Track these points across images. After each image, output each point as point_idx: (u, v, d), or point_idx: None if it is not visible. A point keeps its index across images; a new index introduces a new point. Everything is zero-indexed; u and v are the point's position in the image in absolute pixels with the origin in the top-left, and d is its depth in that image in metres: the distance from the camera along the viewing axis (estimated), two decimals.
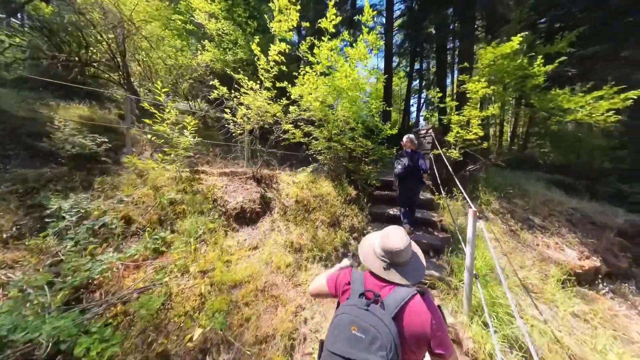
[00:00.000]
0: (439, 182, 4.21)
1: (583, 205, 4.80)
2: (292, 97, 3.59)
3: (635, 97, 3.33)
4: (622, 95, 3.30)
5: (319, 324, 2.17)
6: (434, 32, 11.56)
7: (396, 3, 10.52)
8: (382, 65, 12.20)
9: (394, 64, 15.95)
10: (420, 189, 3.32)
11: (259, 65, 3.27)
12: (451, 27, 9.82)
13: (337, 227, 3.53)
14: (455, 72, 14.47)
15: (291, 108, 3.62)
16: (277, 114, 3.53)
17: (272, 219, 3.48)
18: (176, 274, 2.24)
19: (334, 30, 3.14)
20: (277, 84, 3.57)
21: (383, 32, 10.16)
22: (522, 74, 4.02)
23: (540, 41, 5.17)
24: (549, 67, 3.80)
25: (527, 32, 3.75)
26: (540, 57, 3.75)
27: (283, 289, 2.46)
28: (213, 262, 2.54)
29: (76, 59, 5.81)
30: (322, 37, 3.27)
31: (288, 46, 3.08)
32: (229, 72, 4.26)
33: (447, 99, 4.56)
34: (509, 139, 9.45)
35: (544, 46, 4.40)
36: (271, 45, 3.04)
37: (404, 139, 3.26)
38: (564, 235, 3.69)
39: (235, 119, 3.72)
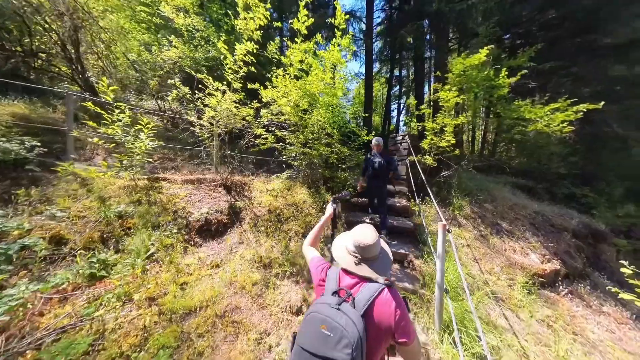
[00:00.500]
0: (414, 188, 4.22)
1: (544, 208, 5.12)
2: (264, 100, 3.36)
3: (584, 109, 3.59)
4: (574, 108, 3.55)
5: (285, 351, 1.96)
6: (411, 41, 12.02)
7: (376, 11, 10.72)
8: (363, 70, 12.38)
9: (375, 70, 16.29)
10: (387, 190, 3.47)
11: (226, 64, 3.00)
12: (428, 38, 10.23)
13: None
14: (432, 81, 15.15)
15: (263, 111, 3.39)
16: (246, 118, 3.28)
17: (242, 231, 3.20)
18: (115, 305, 1.89)
19: (306, 32, 2.98)
20: (249, 86, 3.32)
21: (362, 37, 10.25)
22: (489, 84, 4.19)
23: (504, 55, 5.48)
24: (513, 79, 3.99)
25: (492, 46, 3.91)
26: (504, 69, 3.92)
27: (247, 312, 2.21)
28: (166, 285, 2.21)
29: (17, 48, 5.05)
30: (296, 39, 3.11)
31: (256, 46, 2.86)
32: (188, 71, 3.90)
33: (423, 106, 4.63)
34: (480, 145, 10.00)
35: (509, 59, 4.64)
36: (237, 44, 2.79)
37: (373, 142, 3.39)
38: (528, 239, 3.86)
39: (201, 121, 3.40)
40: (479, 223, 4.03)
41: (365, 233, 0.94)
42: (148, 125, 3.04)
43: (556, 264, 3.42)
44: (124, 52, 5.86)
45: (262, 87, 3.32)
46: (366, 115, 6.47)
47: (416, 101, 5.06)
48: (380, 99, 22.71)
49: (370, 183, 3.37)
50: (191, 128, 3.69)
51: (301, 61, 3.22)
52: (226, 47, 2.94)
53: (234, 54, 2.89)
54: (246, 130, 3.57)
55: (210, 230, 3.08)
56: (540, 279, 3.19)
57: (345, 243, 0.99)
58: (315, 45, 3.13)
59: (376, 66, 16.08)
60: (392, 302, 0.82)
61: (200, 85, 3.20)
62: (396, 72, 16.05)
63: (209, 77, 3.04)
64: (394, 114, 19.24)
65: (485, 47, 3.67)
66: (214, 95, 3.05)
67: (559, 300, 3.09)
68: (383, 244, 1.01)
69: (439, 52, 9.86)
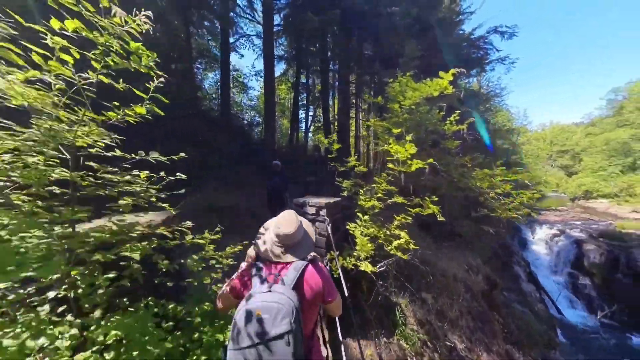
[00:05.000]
0: (338, 331, 1.92)
1: (454, 259, 4.62)
2: None
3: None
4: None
5: None
6: (317, 47, 10.48)
7: None
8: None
9: (281, 71, 13.73)
10: (285, 198, 3.55)
11: None
12: (334, 50, 8.91)
13: None
14: (336, 93, 14.71)
15: None
16: None
17: None
18: None
19: None
20: None
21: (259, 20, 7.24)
22: (434, 128, 2.65)
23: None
24: (462, 127, 2.63)
25: (461, 69, 2.39)
26: (457, 112, 2.44)
27: None
28: None
29: None
30: None
31: None
32: None
33: (352, 159, 2.49)
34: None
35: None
36: None
37: (273, 164, 3.60)
38: None
39: None
40: None
41: (286, 222, 0.93)
42: None
43: None
44: None
45: None
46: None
47: (338, 145, 2.79)
48: (289, 102, 20.59)
49: (270, 197, 3.51)
50: None
51: None
52: None
53: None
54: None
55: None
56: None
57: (269, 234, 0.96)
58: None
59: (282, 66, 13.55)
60: (318, 273, 0.89)
61: None
62: (303, 80, 14.29)
63: None
64: (310, 122, 17.48)
65: (453, 69, 1.96)
66: None
67: None
68: (305, 224, 1.02)
69: (343, 62, 8.79)
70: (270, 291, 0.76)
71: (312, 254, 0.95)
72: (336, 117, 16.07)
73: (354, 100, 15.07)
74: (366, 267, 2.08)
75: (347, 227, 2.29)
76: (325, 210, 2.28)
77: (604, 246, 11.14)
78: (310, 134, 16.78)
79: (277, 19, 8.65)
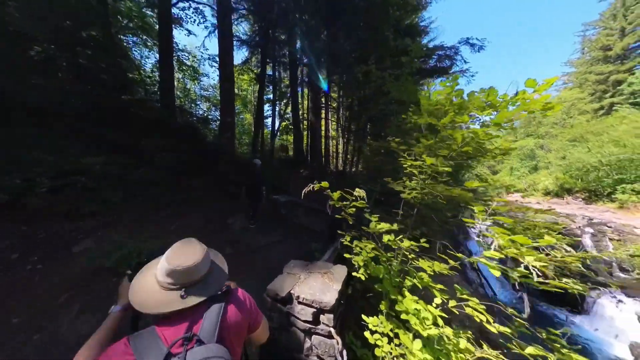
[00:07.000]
0: None
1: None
2: None
3: None
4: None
5: None
6: (286, 36, 9.10)
7: None
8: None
9: (243, 58, 11.68)
10: (262, 191, 4.18)
11: None
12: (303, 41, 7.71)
13: None
14: (308, 90, 13.56)
15: None
16: None
17: None
18: None
19: None
20: None
21: None
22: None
23: None
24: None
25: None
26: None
27: None
28: None
29: None
30: None
31: None
32: None
33: (382, 223, 1.51)
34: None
35: None
36: None
37: (252, 162, 4.18)
38: None
39: None
40: None
41: (182, 252, 0.64)
42: None
43: None
44: None
45: None
46: None
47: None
48: (252, 95, 18.28)
49: (250, 190, 4.06)
50: None
51: None
52: None
53: None
54: None
55: None
56: None
57: (156, 280, 0.63)
58: None
59: (244, 53, 11.53)
60: (238, 308, 0.68)
61: None
62: (269, 71, 12.56)
63: None
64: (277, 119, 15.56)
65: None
66: None
67: None
68: (212, 254, 0.75)
69: (315, 56, 7.74)
70: None
71: (227, 283, 0.69)
72: (305, 115, 14.94)
73: (323, 99, 14.11)
74: None
75: (365, 323, 1.35)
76: (331, 316, 1.23)
77: None
78: (277, 133, 15.12)
79: None
